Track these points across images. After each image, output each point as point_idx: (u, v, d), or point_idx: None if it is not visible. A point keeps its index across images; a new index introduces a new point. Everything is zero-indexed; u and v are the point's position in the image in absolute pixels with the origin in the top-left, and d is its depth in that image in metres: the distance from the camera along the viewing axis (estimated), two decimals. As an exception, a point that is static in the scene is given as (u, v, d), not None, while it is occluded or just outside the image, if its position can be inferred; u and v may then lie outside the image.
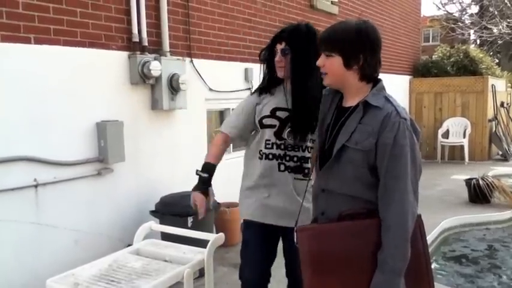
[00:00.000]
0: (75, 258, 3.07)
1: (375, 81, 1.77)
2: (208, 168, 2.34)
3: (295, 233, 1.74)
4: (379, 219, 1.65)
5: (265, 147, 2.29)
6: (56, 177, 3.23)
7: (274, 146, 2.27)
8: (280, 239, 2.45)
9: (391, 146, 1.62)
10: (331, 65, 1.73)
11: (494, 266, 4.56)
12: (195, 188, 2.32)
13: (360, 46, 1.69)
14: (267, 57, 2.31)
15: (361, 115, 1.70)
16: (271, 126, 2.28)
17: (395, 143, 1.62)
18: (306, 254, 1.70)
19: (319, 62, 1.76)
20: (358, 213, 1.70)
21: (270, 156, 2.28)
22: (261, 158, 2.31)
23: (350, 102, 1.77)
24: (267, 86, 2.34)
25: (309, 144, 2.26)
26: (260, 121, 2.31)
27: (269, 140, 2.28)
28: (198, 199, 2.29)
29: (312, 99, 2.11)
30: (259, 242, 2.40)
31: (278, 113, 2.27)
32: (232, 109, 3.16)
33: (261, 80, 2.42)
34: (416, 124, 1.75)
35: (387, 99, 1.72)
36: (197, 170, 2.33)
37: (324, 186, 1.79)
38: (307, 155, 2.27)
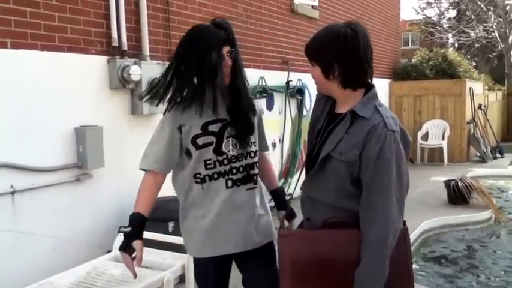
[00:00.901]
0: (53, 266, 3.02)
1: (368, 87, 1.73)
2: (134, 221, 1.91)
3: (277, 238, 1.73)
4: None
5: (206, 169, 1.96)
6: (33, 183, 3.18)
7: (217, 164, 1.96)
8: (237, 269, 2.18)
9: (375, 159, 1.56)
10: (314, 74, 1.73)
11: (473, 266, 4.63)
12: (119, 248, 1.91)
13: (333, 55, 1.64)
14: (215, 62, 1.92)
15: (348, 125, 1.64)
16: (208, 144, 1.95)
17: (380, 156, 1.56)
18: (287, 258, 1.68)
19: (310, 70, 1.76)
20: (342, 222, 1.66)
21: (215, 176, 1.96)
22: (201, 182, 1.97)
23: (341, 108, 1.74)
24: (192, 100, 1.94)
25: (252, 148, 2.03)
26: (193, 142, 1.94)
27: (210, 160, 1.95)
28: (124, 260, 1.91)
29: (247, 103, 2.03)
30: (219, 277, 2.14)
31: (210, 128, 1.95)
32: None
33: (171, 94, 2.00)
34: (408, 135, 1.71)
35: (376, 109, 1.65)
36: (120, 227, 1.91)
37: (308, 194, 1.78)
38: (252, 160, 2.03)
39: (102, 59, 3.73)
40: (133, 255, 1.86)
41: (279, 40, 6.24)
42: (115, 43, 3.78)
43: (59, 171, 3.36)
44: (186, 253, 2.38)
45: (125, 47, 3.87)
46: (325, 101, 1.81)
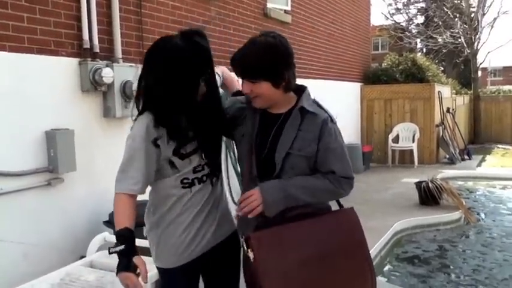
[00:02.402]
0: (23, 273, 2.93)
1: (298, 87, 1.84)
2: (126, 236, 1.77)
3: (245, 241, 1.70)
4: (330, 214, 1.79)
5: (195, 172, 1.88)
6: (2, 188, 3.08)
7: (205, 167, 1.91)
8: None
9: (331, 147, 1.78)
10: (259, 90, 1.74)
11: (444, 265, 4.73)
12: (119, 269, 1.75)
13: (282, 65, 1.73)
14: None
15: (299, 121, 1.76)
16: (193, 151, 1.86)
17: (334, 144, 1.78)
18: (264, 262, 1.64)
19: (245, 89, 1.76)
20: (305, 213, 1.76)
21: (204, 178, 1.91)
22: (190, 186, 1.89)
23: (278, 110, 1.82)
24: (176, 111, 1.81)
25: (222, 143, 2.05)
26: (176, 153, 1.83)
27: (199, 166, 1.89)
28: (128, 281, 1.73)
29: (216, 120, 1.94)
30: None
31: (190, 133, 1.86)
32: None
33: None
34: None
35: (317, 103, 1.84)
36: (109, 248, 1.78)
37: None
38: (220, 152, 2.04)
39: (73, 61, 3.66)
40: (137, 271, 1.74)
41: (252, 44, 6.25)
42: (86, 45, 3.71)
43: (29, 176, 3.27)
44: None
45: (97, 49, 3.80)
46: (251, 106, 1.84)
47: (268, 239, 1.69)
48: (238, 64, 1.74)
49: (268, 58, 1.70)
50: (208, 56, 1.79)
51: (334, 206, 1.92)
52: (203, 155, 1.88)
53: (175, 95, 1.76)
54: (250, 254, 1.66)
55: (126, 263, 1.72)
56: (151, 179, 1.87)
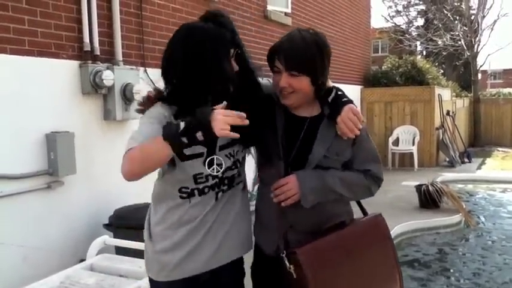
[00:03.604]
0: (23, 276, 2.93)
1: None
2: (176, 121, 1.48)
3: (286, 256, 1.58)
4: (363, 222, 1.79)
5: (196, 183, 1.66)
6: (2, 191, 3.08)
7: (210, 178, 1.67)
8: None
9: (366, 147, 1.79)
10: (299, 85, 1.67)
11: (444, 269, 4.72)
12: (202, 117, 1.40)
13: (326, 63, 1.70)
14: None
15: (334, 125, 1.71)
16: (197, 155, 1.62)
17: (369, 145, 1.81)
18: (315, 279, 1.55)
19: (283, 83, 1.66)
20: (337, 224, 1.74)
21: (206, 190, 1.68)
22: (189, 196, 1.68)
23: (303, 112, 1.75)
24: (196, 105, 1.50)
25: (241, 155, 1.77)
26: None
27: (201, 174, 1.64)
28: (219, 115, 1.38)
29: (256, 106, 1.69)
30: None
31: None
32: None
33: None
34: None
35: None
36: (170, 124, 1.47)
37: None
38: (242, 167, 1.78)
39: (74, 64, 3.66)
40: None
41: (253, 46, 6.25)
42: (87, 48, 3.72)
43: (29, 179, 3.27)
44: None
45: (97, 52, 3.81)
46: (280, 109, 1.76)
47: (315, 253, 1.60)
48: (287, 54, 1.66)
49: (317, 54, 1.67)
50: (234, 33, 1.67)
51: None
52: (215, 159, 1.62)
53: (204, 76, 1.56)
54: (294, 271, 1.57)
55: (206, 110, 1.40)
56: None
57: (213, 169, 1.63)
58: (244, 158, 1.78)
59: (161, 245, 1.73)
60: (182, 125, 1.41)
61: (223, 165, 1.65)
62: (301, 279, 1.56)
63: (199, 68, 1.56)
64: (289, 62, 1.66)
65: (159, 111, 1.60)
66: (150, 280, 1.79)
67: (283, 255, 1.60)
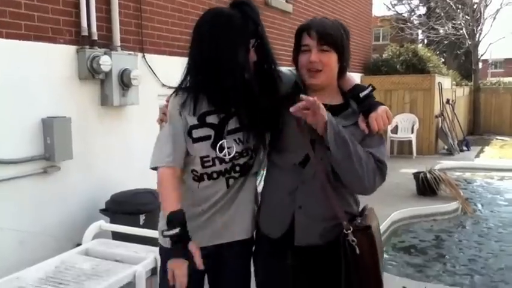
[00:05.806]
0: (19, 261, 2.94)
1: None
2: (179, 219, 1.63)
3: (348, 236, 1.64)
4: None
5: (204, 167, 1.74)
6: (-2, 176, 3.09)
7: (217, 162, 1.73)
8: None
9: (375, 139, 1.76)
10: (328, 60, 1.72)
11: (441, 255, 4.75)
12: (174, 255, 1.62)
13: (347, 42, 1.78)
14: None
15: (353, 118, 1.75)
16: (204, 138, 1.72)
17: (380, 138, 1.78)
18: (368, 252, 1.67)
19: (313, 57, 1.69)
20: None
21: (215, 175, 1.75)
22: (199, 180, 1.76)
23: (325, 98, 1.73)
24: (196, 92, 1.72)
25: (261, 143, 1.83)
26: (189, 133, 1.73)
27: (207, 157, 1.72)
28: (178, 270, 1.60)
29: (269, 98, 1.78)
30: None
31: (208, 119, 1.73)
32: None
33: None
34: None
35: None
36: (163, 231, 1.66)
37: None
38: (254, 155, 1.82)
39: (71, 49, 3.64)
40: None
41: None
42: (84, 32, 3.69)
43: (25, 163, 3.27)
44: (157, 246, 2.31)
45: (95, 37, 3.78)
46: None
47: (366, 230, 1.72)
48: (319, 29, 1.71)
49: (344, 34, 1.77)
50: (256, 23, 1.74)
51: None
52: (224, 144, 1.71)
53: (225, 59, 1.66)
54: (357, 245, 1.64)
55: (182, 249, 1.60)
56: (183, 150, 1.73)
57: (225, 153, 1.71)
58: (258, 148, 1.81)
59: None
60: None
61: (234, 149, 1.72)
62: (365, 255, 1.64)
63: (212, 52, 1.66)
64: (322, 36, 1.71)
65: (174, 106, 1.74)
66: (161, 248, 1.85)
67: (349, 231, 1.65)
